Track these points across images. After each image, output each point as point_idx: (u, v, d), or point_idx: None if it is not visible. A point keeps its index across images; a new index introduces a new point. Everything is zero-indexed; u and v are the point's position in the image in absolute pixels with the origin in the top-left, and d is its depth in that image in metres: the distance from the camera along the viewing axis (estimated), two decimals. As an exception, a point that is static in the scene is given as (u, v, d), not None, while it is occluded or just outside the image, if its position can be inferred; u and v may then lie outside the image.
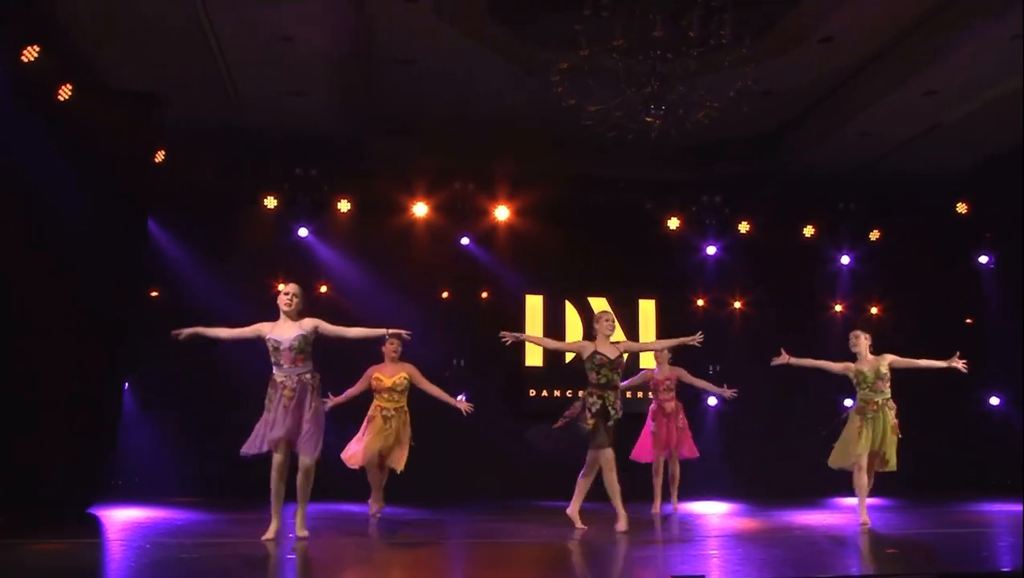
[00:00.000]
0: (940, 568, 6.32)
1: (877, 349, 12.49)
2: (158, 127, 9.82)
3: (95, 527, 8.31)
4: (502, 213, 12.07)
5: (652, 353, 10.10)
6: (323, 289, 11.72)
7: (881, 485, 11.46)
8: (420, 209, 11.84)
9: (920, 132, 11.15)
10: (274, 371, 6.99)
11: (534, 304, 12.43)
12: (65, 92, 8.57)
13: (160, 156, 10.28)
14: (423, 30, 9.48)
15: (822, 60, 10.10)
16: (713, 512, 9.58)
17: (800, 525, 8.31)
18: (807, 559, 6.69)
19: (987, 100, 10.39)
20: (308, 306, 7.18)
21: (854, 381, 8.30)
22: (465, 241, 12.15)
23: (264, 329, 7.03)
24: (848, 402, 12.48)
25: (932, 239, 12.18)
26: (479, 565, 6.76)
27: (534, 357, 12.30)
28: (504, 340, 7.90)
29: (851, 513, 9.89)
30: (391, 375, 8.69)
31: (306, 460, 6.96)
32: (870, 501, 10.56)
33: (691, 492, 10.44)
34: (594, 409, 7.84)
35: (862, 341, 8.32)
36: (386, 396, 8.66)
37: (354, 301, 11.33)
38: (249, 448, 7.08)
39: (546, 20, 9.75)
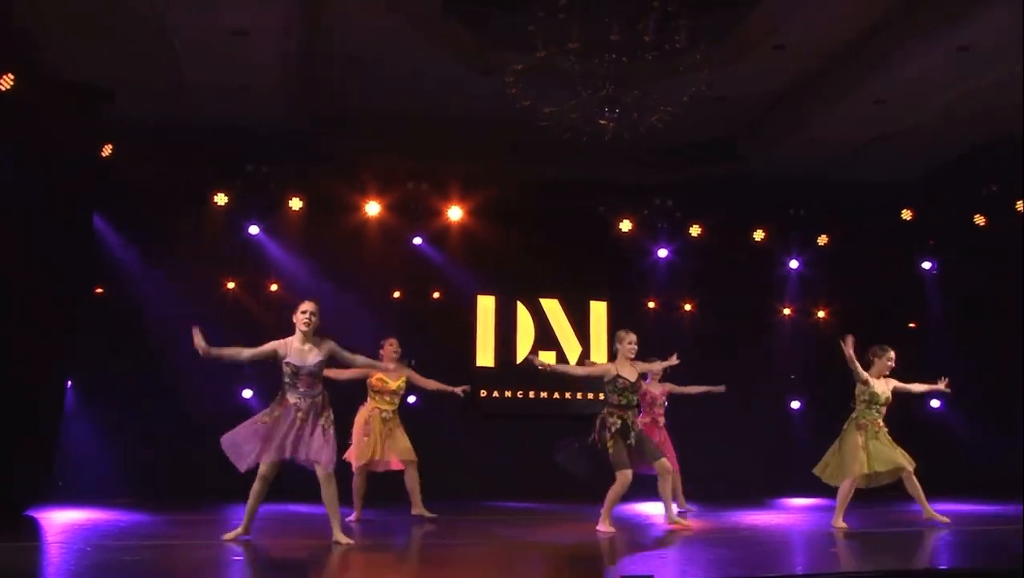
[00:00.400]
0: (881, 565, 6.42)
1: (824, 353, 12.67)
2: (105, 121, 9.61)
3: (34, 529, 8.09)
4: (455, 213, 12.03)
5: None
6: (273, 288, 11.59)
7: (821, 486, 11.66)
8: (372, 208, 11.74)
9: (868, 140, 11.32)
10: (287, 392, 6.80)
11: (486, 305, 12.43)
12: (7, 82, 8.36)
13: (107, 151, 10.07)
14: (378, 27, 9.41)
15: (775, 67, 10.22)
16: (662, 512, 9.61)
17: (747, 525, 8.40)
18: (753, 559, 6.74)
19: (932, 111, 10.59)
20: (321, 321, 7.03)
21: (863, 397, 8.32)
22: (417, 241, 12.08)
23: (280, 349, 6.84)
24: (795, 404, 12.71)
25: (878, 245, 12.37)
26: (424, 565, 6.72)
27: (485, 358, 12.30)
28: (537, 366, 7.92)
29: (795, 513, 10.06)
30: (395, 379, 8.66)
31: (324, 471, 6.78)
32: (817, 502, 10.75)
33: (639, 493, 10.50)
34: (614, 429, 7.76)
35: (890, 357, 8.39)
36: (388, 399, 8.62)
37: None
38: (241, 461, 6.83)
39: (501, 20, 9.73)
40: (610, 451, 7.69)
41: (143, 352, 10.94)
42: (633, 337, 7.96)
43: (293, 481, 9.09)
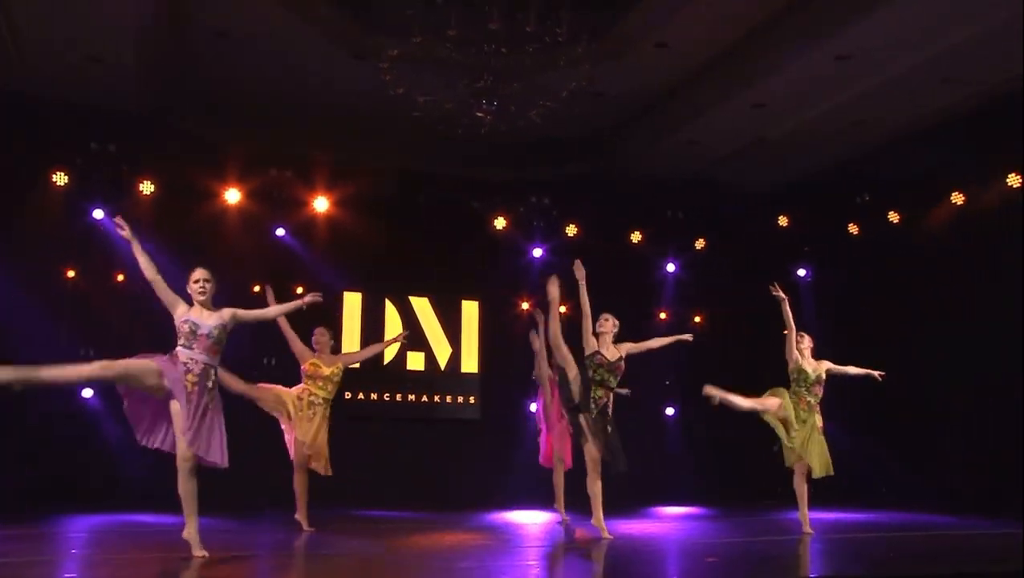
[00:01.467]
0: (760, 575, 6.32)
1: (699, 358, 12.63)
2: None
3: None
4: (321, 204, 11.53)
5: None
6: (119, 278, 10.76)
7: (695, 495, 11.63)
8: (232, 195, 11.11)
9: (746, 144, 11.39)
10: (180, 349, 6.23)
11: (352, 302, 11.93)
12: None
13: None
14: (247, 1, 8.80)
15: (656, 65, 10.16)
16: (536, 521, 9.34)
17: (621, 534, 8.16)
18: (627, 568, 6.58)
19: (810, 118, 10.68)
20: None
21: (793, 376, 8.34)
22: (280, 232, 11.49)
23: (180, 308, 6.30)
24: (670, 411, 12.62)
25: (753, 250, 12.41)
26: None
27: (349, 358, 11.78)
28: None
29: (670, 522, 9.91)
30: (329, 364, 8.32)
31: (189, 464, 6.12)
32: (692, 510, 10.67)
33: (513, 501, 10.26)
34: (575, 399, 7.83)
35: (806, 341, 8.46)
36: (320, 384, 8.23)
37: (155, 292, 10.40)
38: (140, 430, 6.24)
39: (378, 3, 9.31)
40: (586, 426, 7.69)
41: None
42: (609, 317, 8.01)
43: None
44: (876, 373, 8.51)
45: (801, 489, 8.35)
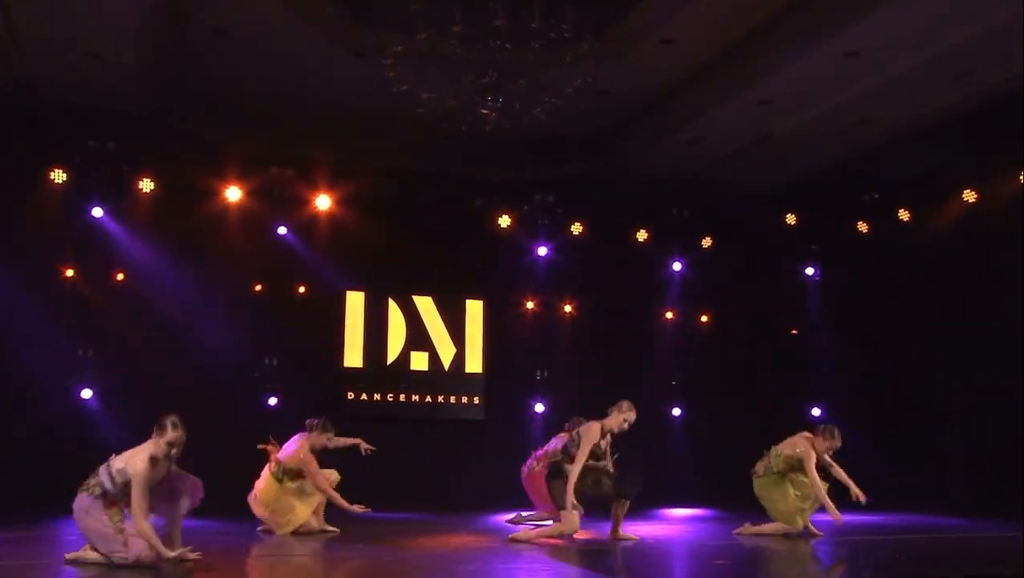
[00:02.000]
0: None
1: (704, 358, 12.59)
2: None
3: None
4: (323, 202, 11.42)
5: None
6: (119, 277, 10.67)
7: (700, 495, 11.55)
8: (233, 193, 11.00)
9: (752, 141, 11.26)
10: (120, 501, 5.91)
11: (355, 301, 11.83)
12: None
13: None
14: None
15: (662, 62, 10.04)
16: (543, 523, 9.22)
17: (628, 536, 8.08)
18: (635, 571, 6.53)
19: (817, 114, 10.56)
20: None
21: (802, 462, 8.13)
22: (282, 231, 11.37)
23: (149, 478, 5.88)
24: (676, 411, 12.51)
25: (761, 249, 12.32)
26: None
27: (353, 358, 11.72)
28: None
29: (676, 524, 9.83)
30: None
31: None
32: (697, 512, 10.59)
33: (518, 502, 10.12)
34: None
35: (838, 441, 8.23)
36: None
37: (156, 292, 10.52)
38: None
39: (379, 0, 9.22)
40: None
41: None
42: (633, 417, 7.75)
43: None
44: (860, 495, 8.11)
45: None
